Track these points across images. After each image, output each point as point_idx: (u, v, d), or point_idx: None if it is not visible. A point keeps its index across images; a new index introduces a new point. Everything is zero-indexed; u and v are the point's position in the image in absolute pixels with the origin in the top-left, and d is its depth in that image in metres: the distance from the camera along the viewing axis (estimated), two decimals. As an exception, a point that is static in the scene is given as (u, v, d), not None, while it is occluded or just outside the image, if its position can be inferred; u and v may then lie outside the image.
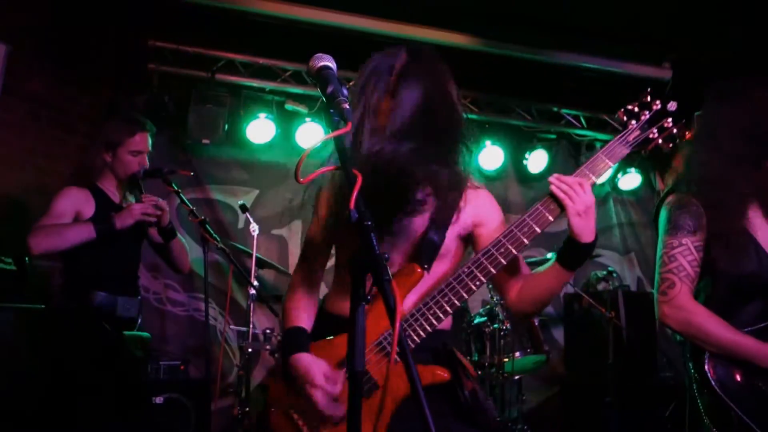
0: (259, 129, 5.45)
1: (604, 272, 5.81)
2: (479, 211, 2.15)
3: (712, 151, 2.51)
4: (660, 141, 2.15)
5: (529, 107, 6.15)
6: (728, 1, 4.70)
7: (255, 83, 5.52)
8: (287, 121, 5.61)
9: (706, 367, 2.38)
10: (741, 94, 2.56)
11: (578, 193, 1.96)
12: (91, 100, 5.05)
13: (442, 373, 1.99)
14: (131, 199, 3.73)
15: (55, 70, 4.77)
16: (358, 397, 1.42)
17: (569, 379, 5.73)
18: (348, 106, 1.60)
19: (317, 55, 1.74)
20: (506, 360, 4.33)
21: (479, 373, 4.39)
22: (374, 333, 2.03)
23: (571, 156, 6.42)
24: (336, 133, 1.54)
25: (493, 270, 1.99)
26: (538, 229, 2.00)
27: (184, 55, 5.32)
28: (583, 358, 5.52)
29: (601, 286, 5.71)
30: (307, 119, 5.53)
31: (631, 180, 6.36)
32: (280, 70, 5.54)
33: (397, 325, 1.32)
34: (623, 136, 2.11)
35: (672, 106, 2.14)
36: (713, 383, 2.35)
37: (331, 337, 2.10)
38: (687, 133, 2.42)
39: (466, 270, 2.01)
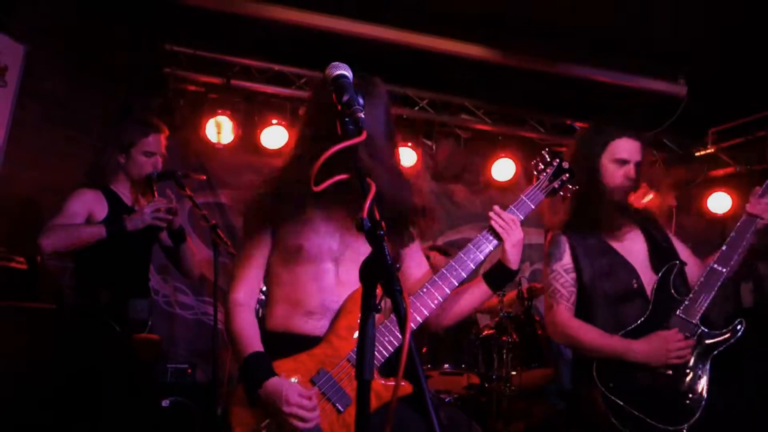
0: (272, 135, 5.46)
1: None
2: None
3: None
4: (561, 192, 2.56)
5: (542, 120, 6.14)
6: (746, 17, 4.67)
7: (269, 89, 5.55)
8: (300, 128, 5.61)
9: (594, 374, 2.77)
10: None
11: (513, 228, 2.32)
12: (105, 101, 5.06)
13: (406, 387, 2.13)
14: (144, 201, 3.73)
15: (70, 71, 4.79)
16: (366, 407, 1.41)
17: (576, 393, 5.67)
18: (363, 116, 1.60)
19: (334, 63, 1.75)
20: (514, 373, 4.30)
21: (486, 385, 4.36)
22: (345, 348, 2.16)
23: (583, 169, 6.38)
24: (351, 141, 1.54)
25: (447, 290, 2.25)
26: (481, 256, 2.33)
27: (200, 59, 5.35)
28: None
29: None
30: (320, 126, 5.52)
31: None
32: (294, 77, 5.56)
33: (407, 335, 1.30)
34: (539, 185, 2.50)
35: (565, 164, 2.54)
36: (600, 386, 2.75)
37: (295, 355, 2.16)
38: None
39: (424, 289, 2.24)
